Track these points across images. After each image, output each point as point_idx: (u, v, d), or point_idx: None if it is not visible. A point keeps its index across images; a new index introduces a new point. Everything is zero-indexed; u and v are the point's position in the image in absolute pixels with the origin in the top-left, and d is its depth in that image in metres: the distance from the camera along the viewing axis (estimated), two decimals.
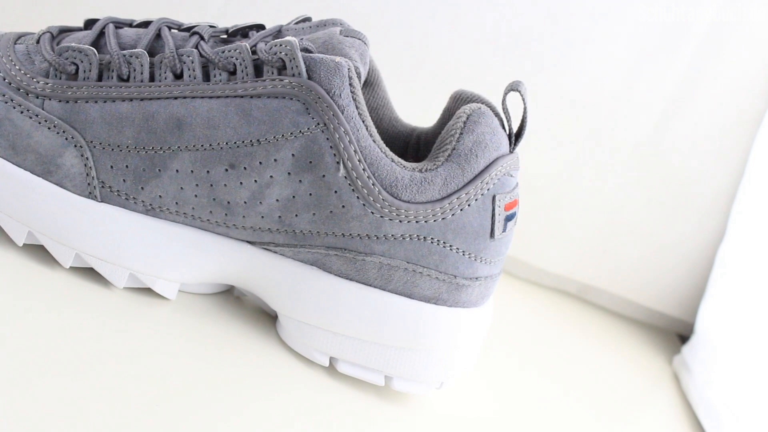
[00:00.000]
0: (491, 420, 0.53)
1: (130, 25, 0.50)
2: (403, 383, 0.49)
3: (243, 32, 0.49)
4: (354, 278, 0.48)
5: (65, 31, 0.49)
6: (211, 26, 0.49)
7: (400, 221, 0.46)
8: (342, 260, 0.47)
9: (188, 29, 0.49)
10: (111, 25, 0.48)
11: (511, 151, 0.48)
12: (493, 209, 0.47)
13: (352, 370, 0.49)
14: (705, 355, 0.70)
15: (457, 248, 0.47)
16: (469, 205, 0.46)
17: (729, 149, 0.73)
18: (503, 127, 0.48)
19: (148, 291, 0.49)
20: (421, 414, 0.50)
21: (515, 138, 0.48)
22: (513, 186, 0.48)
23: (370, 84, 0.52)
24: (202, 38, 0.47)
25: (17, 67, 0.46)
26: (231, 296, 0.52)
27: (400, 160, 0.46)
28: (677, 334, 0.82)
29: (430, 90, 0.63)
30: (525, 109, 0.47)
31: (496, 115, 0.48)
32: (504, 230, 0.48)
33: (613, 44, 0.72)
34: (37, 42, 0.48)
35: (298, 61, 0.45)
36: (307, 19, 0.51)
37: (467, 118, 0.47)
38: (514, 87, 0.47)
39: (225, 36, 0.49)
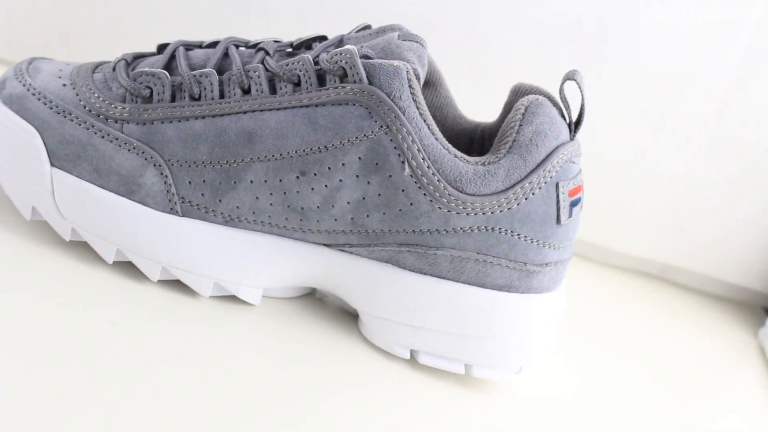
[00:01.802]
0: (574, 400, 0.54)
1: (200, 46, 0.52)
2: (482, 370, 0.50)
3: (306, 44, 0.52)
4: (427, 272, 0.49)
5: (139, 57, 0.52)
6: (276, 41, 0.51)
7: (467, 214, 0.47)
8: (414, 256, 0.49)
9: (254, 46, 0.51)
10: (181, 48, 0.51)
11: (571, 139, 0.49)
12: (558, 196, 0.48)
13: (433, 361, 0.51)
14: None
15: (525, 236, 0.48)
16: (533, 194, 0.48)
17: None
18: (562, 116, 0.49)
19: (233, 298, 0.51)
20: (503, 398, 0.51)
21: (575, 126, 0.49)
22: (576, 172, 0.49)
23: (432, 84, 0.54)
24: (267, 53, 0.50)
25: (96, 95, 0.49)
26: (314, 298, 0.55)
27: (463, 155, 0.47)
28: (763, 308, 0.82)
29: (492, 86, 0.64)
30: (582, 97, 0.48)
31: (555, 104, 0.49)
32: (570, 215, 0.49)
33: (673, 24, 0.72)
34: (113, 69, 0.51)
35: (358, 68, 0.47)
36: (367, 27, 0.52)
37: (525, 110, 0.48)
38: (570, 76, 0.48)
39: (290, 49, 0.51)
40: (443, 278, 0.49)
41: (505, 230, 0.48)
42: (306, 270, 0.51)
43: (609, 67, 0.73)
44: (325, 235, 0.49)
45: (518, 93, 0.52)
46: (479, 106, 0.61)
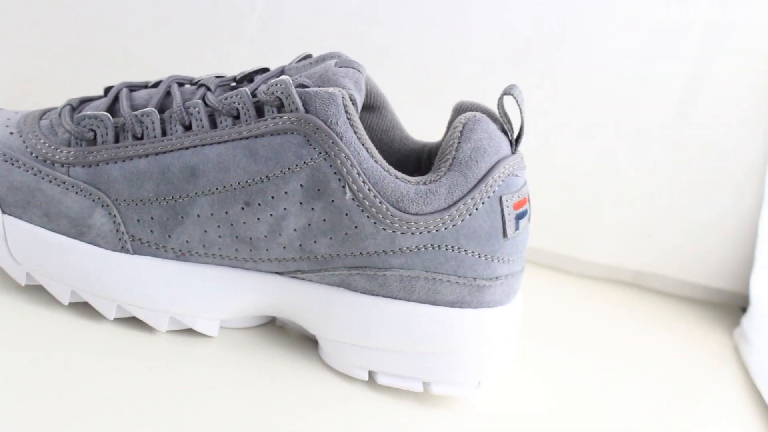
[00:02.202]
0: (541, 413, 0.54)
1: (145, 86, 0.53)
2: (441, 387, 0.51)
3: (249, 77, 0.52)
4: (379, 293, 0.50)
5: (85, 101, 0.53)
6: (218, 77, 0.52)
7: (412, 233, 0.48)
8: (364, 278, 0.49)
9: (197, 83, 0.52)
10: (125, 90, 0.52)
11: (513, 153, 0.50)
12: (502, 210, 0.49)
13: (391, 381, 0.51)
14: (761, 324, 0.71)
15: (472, 252, 0.49)
16: (476, 209, 0.48)
17: (754, 119, 0.74)
18: (503, 131, 0.50)
19: (191, 331, 0.52)
20: (465, 415, 0.51)
21: (516, 140, 0.50)
22: (520, 185, 0.50)
23: (376, 108, 0.55)
24: (208, 89, 0.51)
25: (42, 141, 0.50)
26: (274, 326, 0.55)
27: (404, 176, 0.48)
28: (740, 308, 0.82)
29: (438, 105, 0.65)
30: (521, 111, 0.49)
31: (494, 120, 0.50)
32: (517, 228, 0.50)
33: (625, 32, 0.73)
34: (59, 115, 0.51)
35: (294, 97, 0.47)
36: (308, 56, 0.53)
37: (463, 127, 0.49)
38: (507, 91, 0.49)
39: (234, 83, 0.52)
40: (395, 298, 0.50)
41: (452, 247, 0.48)
42: (261, 299, 0.51)
43: (563, 76, 0.74)
44: (276, 263, 0.50)
45: (459, 111, 0.53)
46: (435, 127, 0.61)
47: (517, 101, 0.49)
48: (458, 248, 0.49)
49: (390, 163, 0.55)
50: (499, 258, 0.49)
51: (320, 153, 0.47)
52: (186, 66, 0.70)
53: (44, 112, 0.53)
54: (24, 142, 0.50)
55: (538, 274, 0.79)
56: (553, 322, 0.68)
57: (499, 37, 0.73)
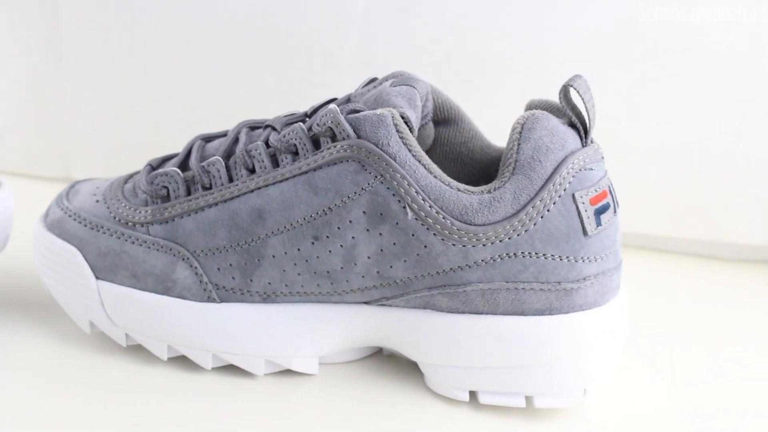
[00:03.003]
0: (652, 414, 0.51)
1: (220, 136, 0.54)
2: (544, 399, 0.48)
3: (316, 111, 0.52)
4: (464, 311, 0.48)
5: (167, 159, 0.54)
6: (288, 115, 0.52)
7: (484, 245, 0.46)
8: (446, 297, 0.48)
9: (266, 125, 0.52)
10: (198, 142, 0.53)
11: (584, 145, 0.47)
12: (577, 207, 0.46)
13: (493, 399, 0.49)
14: None
15: (552, 255, 0.46)
16: (548, 211, 0.46)
17: None
18: (572, 124, 0.47)
19: (291, 372, 0.52)
20: (575, 425, 0.49)
21: (585, 132, 0.47)
22: (596, 179, 0.47)
23: (452, 120, 0.53)
24: (273, 129, 0.51)
25: (123, 204, 0.51)
26: (380, 357, 0.54)
27: (467, 187, 0.47)
28: None
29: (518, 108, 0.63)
30: (584, 101, 0.47)
31: (560, 114, 0.48)
32: (599, 224, 0.47)
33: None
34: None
35: (343, 124, 0.47)
36: (373, 80, 0.53)
37: (522, 128, 0.47)
38: (568, 83, 0.47)
39: (307, 118, 0.52)
40: (481, 313, 0.48)
41: (529, 253, 0.46)
42: (353, 331, 0.51)
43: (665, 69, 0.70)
44: (359, 293, 0.49)
45: (528, 109, 0.50)
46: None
47: (578, 92, 0.46)
48: (536, 254, 0.46)
49: (473, 174, 0.54)
50: (583, 258, 0.47)
51: (376, 177, 0.46)
52: (282, 107, 0.71)
53: (129, 177, 0.55)
54: (108, 208, 0.52)
55: (659, 260, 0.75)
56: (677, 310, 0.64)
57: (568, 35, 0.70)
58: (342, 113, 0.48)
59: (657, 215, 0.74)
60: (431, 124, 0.53)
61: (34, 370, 0.51)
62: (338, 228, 0.47)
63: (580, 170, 0.46)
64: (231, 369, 0.52)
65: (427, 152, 0.54)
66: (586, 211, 0.46)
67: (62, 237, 0.52)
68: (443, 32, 0.72)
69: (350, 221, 0.47)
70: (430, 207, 0.46)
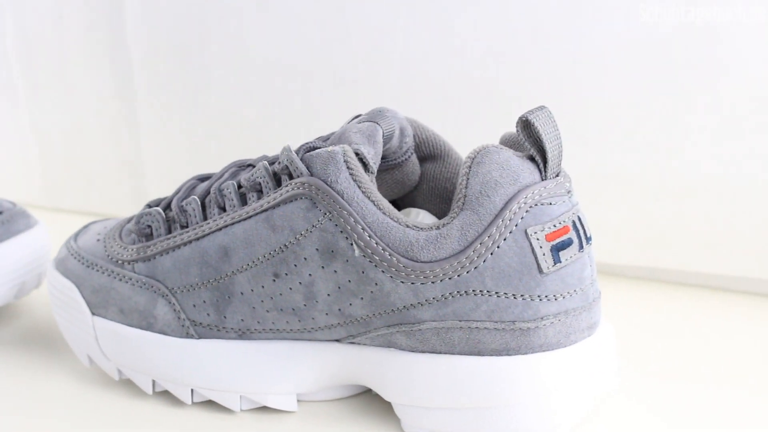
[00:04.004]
0: None
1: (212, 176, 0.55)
2: None
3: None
4: (422, 350, 0.47)
5: (163, 200, 0.56)
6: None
7: (433, 282, 0.45)
8: (404, 335, 0.47)
9: (251, 164, 0.53)
10: (192, 182, 0.54)
11: (543, 179, 0.45)
12: (531, 244, 0.45)
13: None
14: None
15: (505, 293, 0.45)
16: (498, 247, 0.44)
17: None
18: (532, 158, 0.46)
19: (272, 410, 0.52)
20: None
21: (544, 165, 0.46)
22: (556, 214, 0.45)
23: (438, 156, 0.53)
24: (251, 166, 0.52)
25: (117, 243, 0.53)
26: (366, 395, 0.53)
27: (416, 223, 0.46)
28: None
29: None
30: (540, 134, 0.45)
31: (517, 147, 0.46)
32: (558, 261, 0.45)
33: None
34: None
35: (296, 162, 0.47)
36: (358, 116, 0.53)
37: (471, 162, 0.45)
38: (525, 114, 0.45)
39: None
40: (438, 353, 0.47)
41: (480, 291, 0.45)
42: (327, 368, 0.51)
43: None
44: (327, 331, 0.49)
45: (504, 142, 0.49)
46: None
47: (534, 125, 0.45)
48: (488, 291, 0.45)
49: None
50: (540, 296, 0.45)
51: (325, 214, 0.46)
52: None
53: (132, 218, 0.57)
54: (104, 247, 0.54)
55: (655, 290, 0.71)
56: (670, 345, 0.61)
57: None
58: (300, 151, 0.48)
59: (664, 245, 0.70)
60: (415, 159, 0.52)
61: (32, 400, 0.53)
62: (295, 265, 0.47)
63: (534, 205, 0.45)
64: (212, 404, 0.52)
65: (414, 189, 0.54)
66: (541, 247, 0.45)
67: (64, 274, 0.55)
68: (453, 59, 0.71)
69: (305, 258, 0.47)
70: (376, 244, 0.45)
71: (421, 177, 0.53)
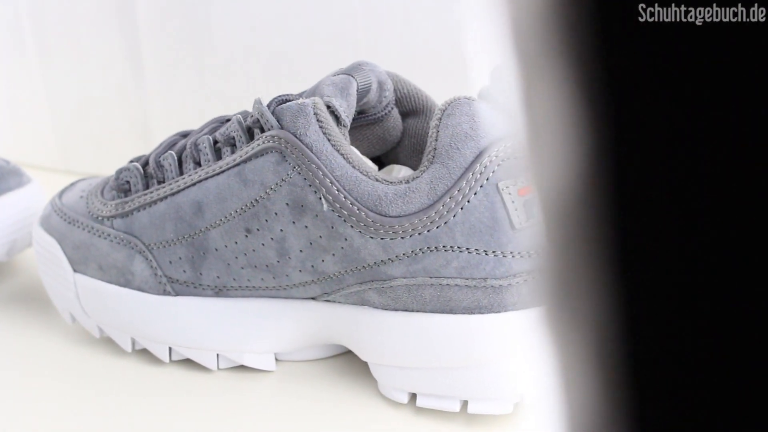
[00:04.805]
0: None
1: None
2: (478, 405, 0.45)
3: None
4: (394, 307, 0.46)
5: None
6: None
7: (402, 238, 0.44)
8: (376, 293, 0.46)
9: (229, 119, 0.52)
10: (173, 137, 0.53)
11: None
12: (502, 198, 0.43)
13: (429, 402, 0.46)
14: None
15: (476, 249, 0.44)
16: (468, 201, 0.43)
17: None
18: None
19: (249, 369, 0.51)
20: None
21: None
22: None
23: (420, 111, 0.51)
24: (227, 121, 0.51)
25: (98, 199, 0.53)
26: (348, 356, 0.52)
27: (386, 177, 0.45)
28: None
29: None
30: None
31: (489, 100, 0.45)
32: (531, 217, 0.43)
33: None
34: None
35: (267, 115, 0.46)
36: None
37: (442, 114, 0.44)
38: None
39: None
40: (410, 311, 0.46)
41: (450, 246, 0.44)
42: (304, 327, 0.50)
43: None
44: (302, 288, 0.48)
45: (482, 96, 0.48)
46: None
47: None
48: (458, 247, 0.44)
49: None
50: (512, 253, 0.44)
51: (294, 167, 0.45)
52: None
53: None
54: (86, 204, 0.53)
55: None
56: None
57: None
58: (273, 104, 0.47)
59: None
60: (396, 114, 0.51)
61: (15, 358, 0.53)
62: (266, 220, 0.46)
63: (507, 158, 0.43)
64: (190, 363, 0.52)
65: (396, 145, 0.52)
66: (513, 202, 0.43)
67: (48, 231, 0.54)
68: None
69: (275, 213, 0.46)
70: (344, 198, 0.44)
71: (403, 133, 0.52)
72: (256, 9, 0.75)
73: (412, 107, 0.51)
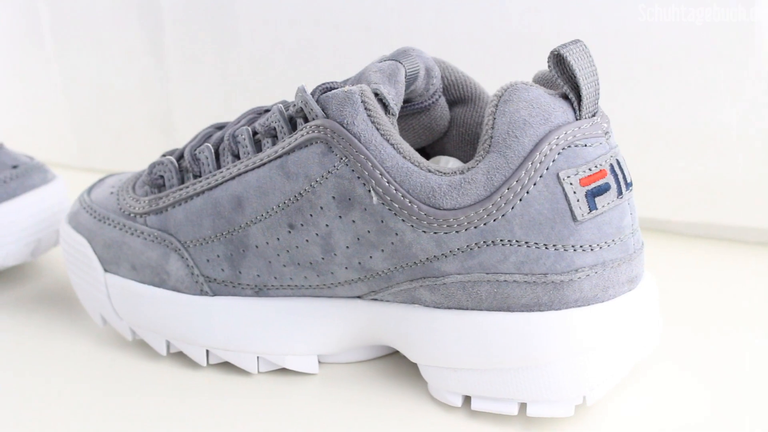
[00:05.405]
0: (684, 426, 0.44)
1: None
2: (537, 407, 0.43)
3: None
4: (447, 305, 0.44)
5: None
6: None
7: (457, 232, 0.42)
8: (428, 290, 0.44)
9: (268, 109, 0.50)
10: (208, 129, 0.51)
11: (577, 118, 0.42)
12: (563, 189, 0.41)
13: (485, 405, 0.44)
14: None
15: (535, 243, 0.41)
16: (527, 193, 0.41)
17: None
18: (566, 96, 0.42)
19: (291, 371, 0.49)
20: None
21: (578, 103, 0.42)
22: (592, 156, 0.41)
23: (468, 100, 0.49)
24: (267, 111, 0.48)
25: (129, 195, 0.51)
26: (392, 358, 0.50)
27: (439, 168, 0.42)
28: None
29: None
30: (574, 69, 0.41)
31: (549, 85, 0.43)
32: (594, 208, 0.41)
33: None
34: None
35: (311, 103, 0.44)
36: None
37: (498, 101, 0.42)
38: (558, 49, 0.41)
39: None
40: (464, 309, 0.43)
41: (509, 241, 0.41)
42: (350, 327, 0.47)
43: None
44: (348, 287, 0.46)
45: (537, 81, 0.45)
46: None
47: (567, 60, 0.41)
48: (516, 241, 0.41)
49: None
50: (574, 246, 0.41)
51: (341, 158, 0.43)
52: None
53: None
54: (117, 200, 0.51)
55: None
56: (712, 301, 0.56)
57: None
58: (317, 92, 0.45)
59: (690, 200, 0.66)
60: (444, 103, 0.49)
61: (45, 364, 0.51)
62: (311, 215, 0.44)
63: (568, 146, 0.41)
64: (228, 366, 0.49)
65: (443, 135, 0.50)
66: (575, 192, 0.41)
67: (76, 229, 0.52)
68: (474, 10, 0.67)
69: (321, 207, 0.44)
70: (395, 190, 0.42)
71: (450, 122, 0.50)
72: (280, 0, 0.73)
73: (460, 95, 0.49)
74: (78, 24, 0.79)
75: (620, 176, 0.42)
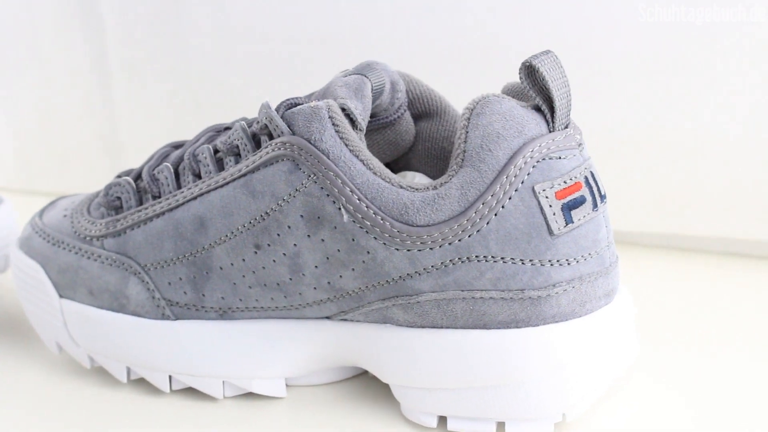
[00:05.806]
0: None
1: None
2: (516, 426, 0.42)
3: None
4: (422, 324, 0.43)
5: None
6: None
7: (431, 248, 0.41)
8: (401, 309, 0.43)
9: (227, 127, 0.48)
10: (165, 149, 0.49)
11: (550, 130, 0.41)
12: (539, 202, 0.40)
13: (462, 425, 0.43)
14: None
15: (511, 258, 0.40)
16: (503, 207, 0.40)
17: None
18: (538, 109, 0.41)
19: (257, 395, 0.47)
20: None
21: (551, 115, 0.41)
22: (567, 169, 0.40)
23: (434, 114, 0.48)
24: (227, 129, 0.47)
25: (84, 218, 0.49)
26: (362, 378, 0.49)
27: (411, 184, 0.41)
28: None
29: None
30: (546, 81, 0.40)
31: (520, 97, 0.42)
32: (570, 221, 0.40)
33: None
34: None
35: (276, 120, 0.42)
36: (345, 71, 0.48)
37: (470, 113, 0.41)
38: (529, 60, 0.40)
39: None
40: (439, 327, 0.42)
41: (484, 256, 0.40)
42: (318, 349, 0.46)
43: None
44: (317, 307, 0.44)
45: (506, 93, 0.44)
46: None
47: (539, 71, 0.40)
48: (492, 257, 0.40)
49: None
50: (551, 261, 0.40)
51: (309, 176, 0.41)
52: None
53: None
54: (71, 223, 0.49)
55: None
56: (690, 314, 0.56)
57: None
58: (281, 108, 0.43)
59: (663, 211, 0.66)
60: (409, 117, 0.48)
61: None
62: (278, 234, 0.43)
63: (542, 159, 0.40)
64: (193, 392, 0.48)
65: (408, 150, 0.49)
66: (551, 206, 0.40)
67: (29, 254, 0.50)
68: (442, 25, 0.67)
69: (288, 226, 0.42)
70: (367, 207, 0.41)
71: (415, 137, 0.49)
72: (228, 14, 0.71)
73: (425, 109, 0.48)
74: (19, 42, 0.77)
75: (594, 188, 0.41)
